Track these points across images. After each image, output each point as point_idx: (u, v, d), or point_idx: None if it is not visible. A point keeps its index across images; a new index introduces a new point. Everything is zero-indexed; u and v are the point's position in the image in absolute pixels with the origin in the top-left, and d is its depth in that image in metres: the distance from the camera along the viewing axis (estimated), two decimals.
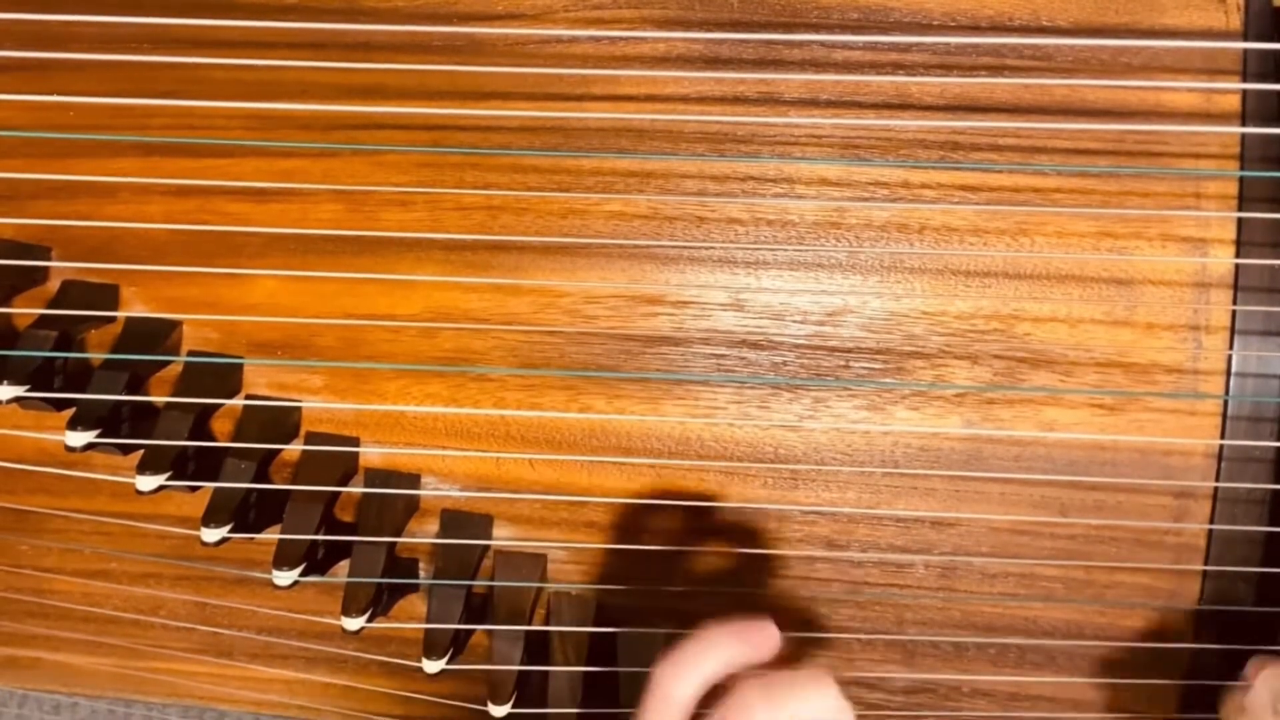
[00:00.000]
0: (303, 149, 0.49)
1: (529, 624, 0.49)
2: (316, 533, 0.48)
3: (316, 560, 0.49)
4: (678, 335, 0.49)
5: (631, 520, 0.50)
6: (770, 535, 0.50)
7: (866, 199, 0.48)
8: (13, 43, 0.49)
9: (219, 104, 0.49)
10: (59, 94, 0.50)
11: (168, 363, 0.50)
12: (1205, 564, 0.49)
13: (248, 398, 0.50)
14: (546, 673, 0.49)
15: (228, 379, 0.50)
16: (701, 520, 0.50)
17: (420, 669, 0.48)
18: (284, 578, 0.47)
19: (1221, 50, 0.48)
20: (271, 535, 0.48)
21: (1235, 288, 0.48)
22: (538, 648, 0.50)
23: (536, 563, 0.50)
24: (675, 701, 0.37)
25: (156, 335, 0.50)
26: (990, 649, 0.50)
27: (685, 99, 0.49)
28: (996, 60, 0.49)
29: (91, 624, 0.55)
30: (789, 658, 0.39)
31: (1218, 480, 0.48)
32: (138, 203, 0.50)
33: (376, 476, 0.50)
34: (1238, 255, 0.47)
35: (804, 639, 0.50)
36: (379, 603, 0.49)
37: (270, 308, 0.49)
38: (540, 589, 0.51)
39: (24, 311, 0.49)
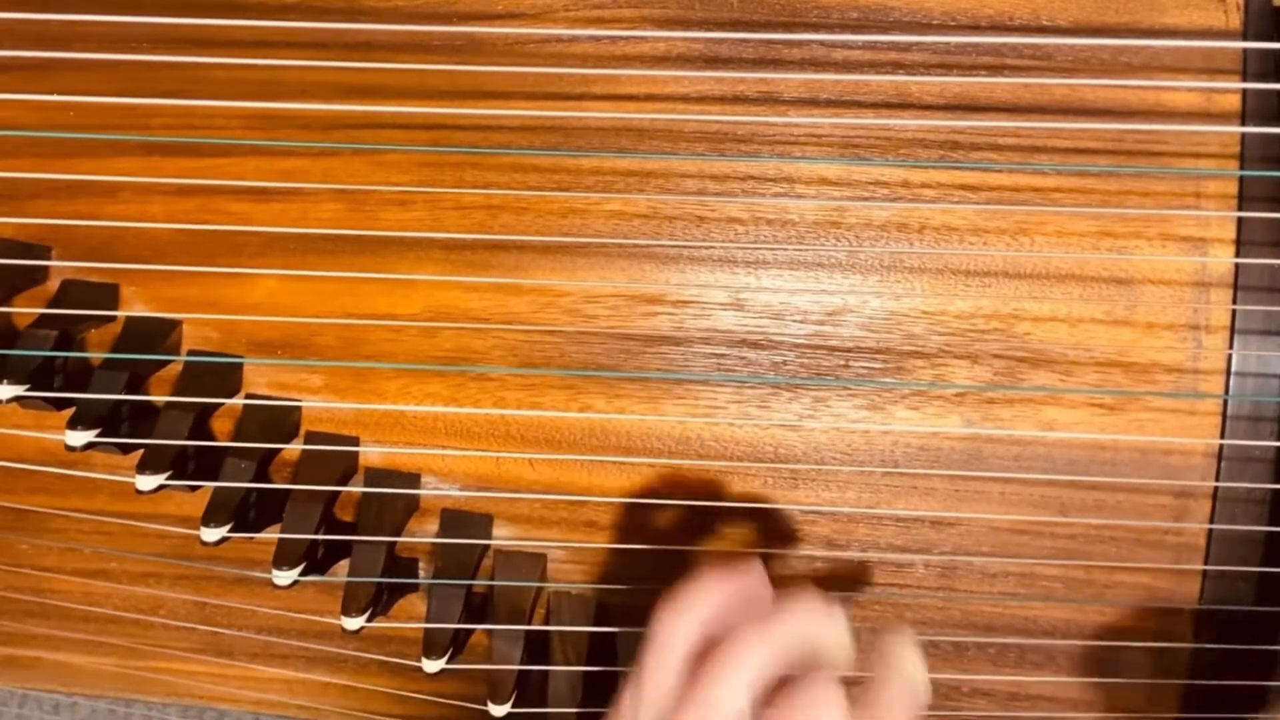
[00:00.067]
0: (303, 148, 0.49)
1: (529, 624, 0.49)
2: (316, 532, 0.48)
3: (316, 560, 0.49)
4: (678, 335, 0.49)
5: (631, 520, 0.50)
6: (770, 535, 0.50)
7: (866, 198, 0.48)
8: (14, 42, 0.49)
9: (220, 103, 0.49)
10: (60, 93, 0.50)
11: (168, 362, 0.50)
12: (1205, 564, 0.49)
13: (248, 397, 0.50)
14: (546, 672, 0.49)
15: (228, 378, 0.50)
16: (701, 520, 0.50)
17: (420, 668, 0.48)
18: (284, 577, 0.47)
19: (1221, 50, 0.48)
20: (271, 535, 0.48)
21: (1235, 287, 0.48)
22: (538, 647, 0.50)
23: (536, 562, 0.50)
24: (675, 648, 0.37)
25: (156, 335, 0.50)
26: (990, 649, 0.50)
27: (685, 98, 0.49)
28: (996, 60, 0.49)
29: (91, 623, 0.55)
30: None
31: (1218, 480, 0.48)
32: (138, 202, 0.50)
33: (376, 476, 0.50)
34: (1238, 255, 0.47)
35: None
36: (379, 602, 0.49)
37: (270, 307, 0.49)
38: (540, 589, 0.51)
39: (24, 311, 0.50)
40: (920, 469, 0.49)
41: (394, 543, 0.49)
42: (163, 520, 0.52)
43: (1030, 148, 0.48)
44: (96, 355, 0.50)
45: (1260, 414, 0.48)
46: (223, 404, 0.50)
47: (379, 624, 0.50)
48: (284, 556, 0.47)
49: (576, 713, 0.49)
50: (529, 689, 0.50)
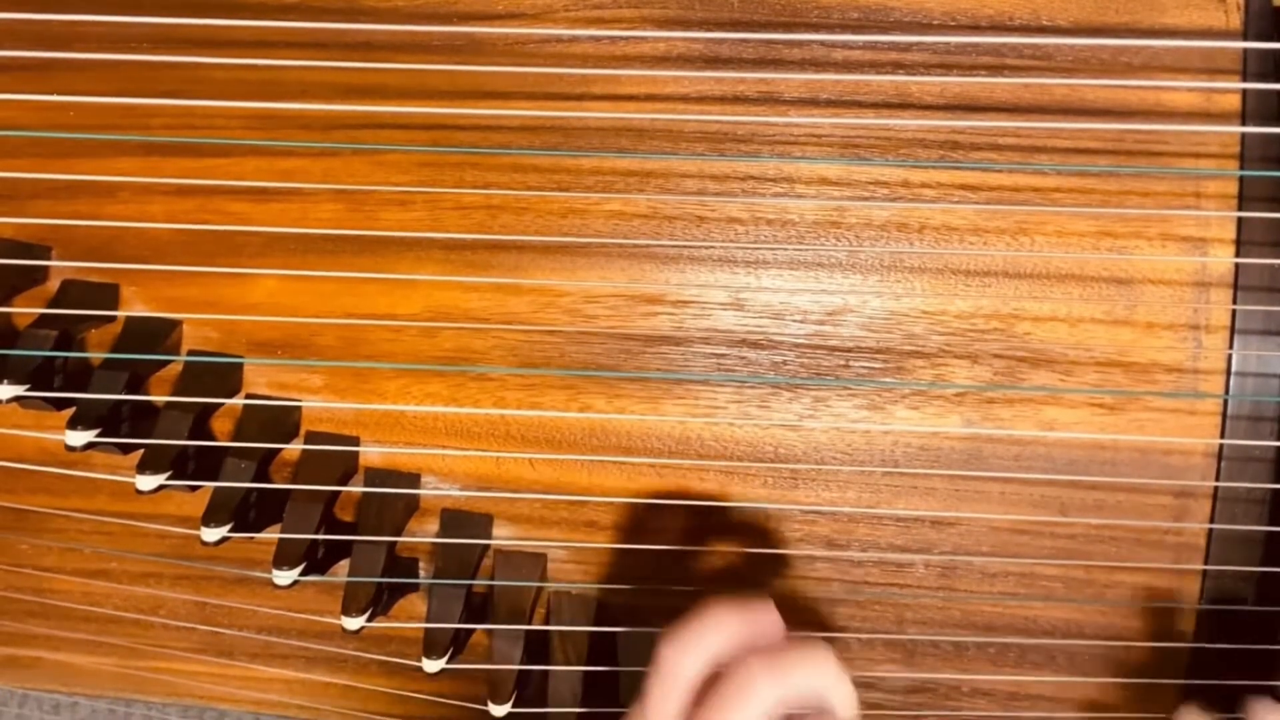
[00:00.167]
0: (303, 149, 0.49)
1: (529, 623, 0.49)
2: (316, 532, 0.48)
3: (316, 560, 0.49)
4: (678, 335, 0.49)
5: (632, 520, 0.50)
6: (770, 535, 0.50)
7: (866, 198, 0.48)
8: (14, 42, 0.49)
9: (220, 104, 0.49)
10: (60, 94, 0.50)
11: (168, 362, 0.50)
12: (1205, 564, 0.49)
13: (248, 397, 0.50)
14: (546, 672, 0.49)
15: (228, 378, 0.50)
16: (701, 520, 0.50)
17: (420, 668, 0.48)
18: (284, 577, 0.47)
19: (1221, 50, 0.48)
20: (271, 535, 0.48)
21: (1235, 287, 0.48)
22: (538, 647, 0.50)
23: (536, 562, 0.50)
24: (680, 678, 0.37)
25: (156, 335, 0.50)
26: (990, 648, 0.50)
27: (685, 98, 0.49)
28: (996, 60, 0.49)
29: (92, 623, 0.55)
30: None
31: (1218, 480, 0.48)
32: (138, 202, 0.50)
33: (376, 476, 0.50)
34: (1238, 255, 0.47)
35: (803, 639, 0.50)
36: (379, 602, 0.49)
37: (270, 307, 0.49)
38: (540, 588, 0.51)
39: (24, 311, 0.50)
40: (920, 469, 0.49)
41: (394, 543, 0.49)
42: (163, 520, 0.52)
43: (1030, 148, 0.48)
44: (96, 355, 0.50)
45: (1260, 414, 0.48)
46: (223, 404, 0.50)
47: (379, 624, 0.50)
48: (284, 556, 0.47)
49: (577, 713, 0.49)
50: (529, 689, 0.50)
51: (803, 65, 0.49)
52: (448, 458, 0.50)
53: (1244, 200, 0.48)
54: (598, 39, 0.49)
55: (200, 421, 0.49)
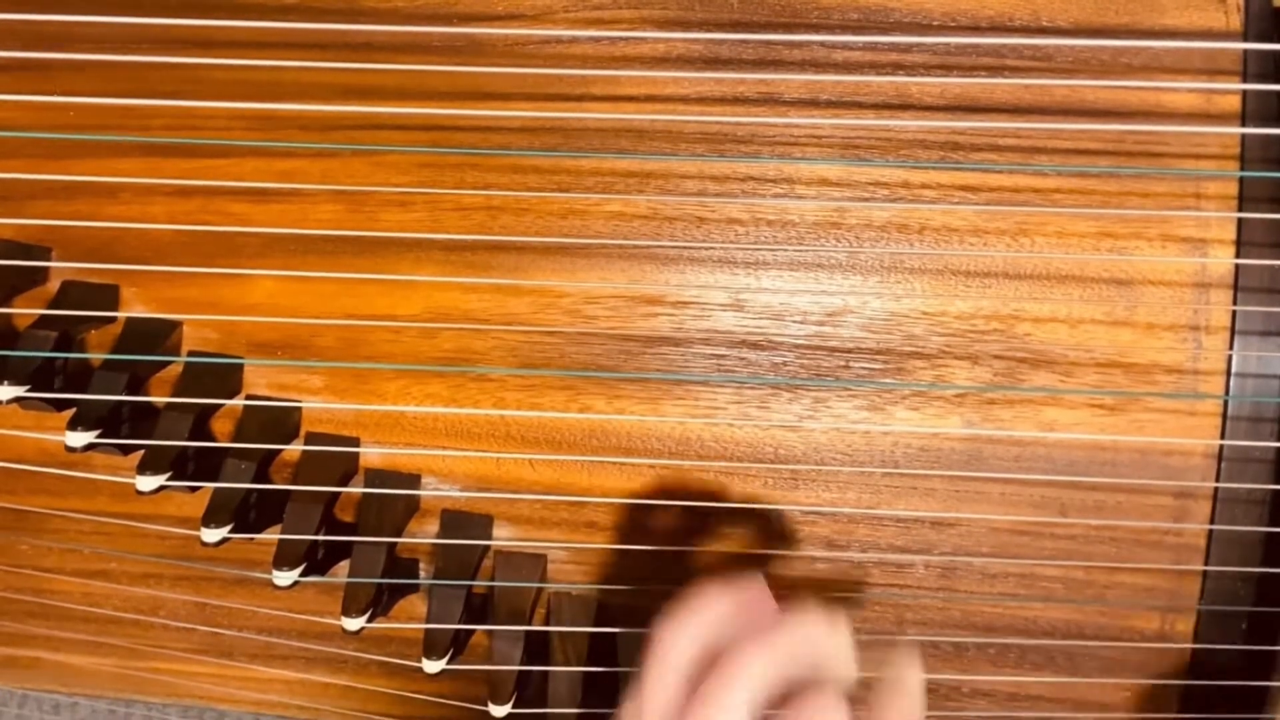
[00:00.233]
0: (302, 149, 0.49)
1: (529, 624, 0.49)
2: (316, 533, 0.48)
3: (316, 560, 0.49)
4: (678, 335, 0.49)
5: (632, 520, 0.50)
6: (770, 536, 0.50)
7: (866, 199, 0.48)
8: (13, 42, 0.49)
9: (219, 104, 0.49)
10: (60, 94, 0.50)
11: (168, 363, 0.50)
12: (1205, 564, 0.49)
13: (248, 398, 0.50)
14: (546, 673, 0.49)
15: (228, 379, 0.50)
16: (701, 520, 0.50)
17: (420, 669, 0.48)
18: (284, 578, 0.47)
19: (1221, 50, 0.48)
20: (271, 535, 0.48)
21: (1235, 288, 0.48)
22: (538, 648, 0.50)
23: (536, 563, 0.50)
24: (674, 660, 0.37)
25: (156, 335, 0.50)
26: (990, 649, 0.50)
27: (685, 99, 0.49)
28: (996, 60, 0.49)
29: (91, 624, 0.55)
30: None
31: (1218, 480, 0.48)
32: (138, 203, 0.50)
33: (376, 477, 0.50)
34: (1238, 255, 0.47)
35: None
36: (379, 603, 0.49)
37: (270, 308, 0.49)
38: (540, 589, 0.51)
39: (24, 311, 0.50)
40: (920, 469, 0.49)
41: (394, 543, 0.49)
42: (163, 521, 0.52)
43: (1030, 148, 0.48)
44: (97, 356, 0.50)
45: (1260, 414, 0.48)
46: (223, 405, 0.50)
47: (379, 625, 0.50)
48: (284, 557, 0.47)
49: (577, 713, 0.49)
50: (529, 689, 0.50)
51: (803, 66, 0.49)
52: (448, 458, 0.50)
53: (1244, 201, 0.48)
54: (597, 40, 0.49)
55: (200, 422, 0.49)
